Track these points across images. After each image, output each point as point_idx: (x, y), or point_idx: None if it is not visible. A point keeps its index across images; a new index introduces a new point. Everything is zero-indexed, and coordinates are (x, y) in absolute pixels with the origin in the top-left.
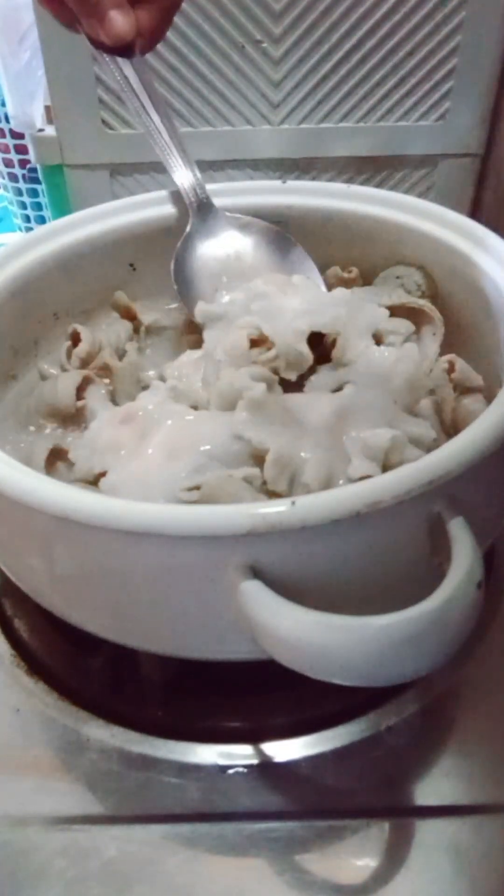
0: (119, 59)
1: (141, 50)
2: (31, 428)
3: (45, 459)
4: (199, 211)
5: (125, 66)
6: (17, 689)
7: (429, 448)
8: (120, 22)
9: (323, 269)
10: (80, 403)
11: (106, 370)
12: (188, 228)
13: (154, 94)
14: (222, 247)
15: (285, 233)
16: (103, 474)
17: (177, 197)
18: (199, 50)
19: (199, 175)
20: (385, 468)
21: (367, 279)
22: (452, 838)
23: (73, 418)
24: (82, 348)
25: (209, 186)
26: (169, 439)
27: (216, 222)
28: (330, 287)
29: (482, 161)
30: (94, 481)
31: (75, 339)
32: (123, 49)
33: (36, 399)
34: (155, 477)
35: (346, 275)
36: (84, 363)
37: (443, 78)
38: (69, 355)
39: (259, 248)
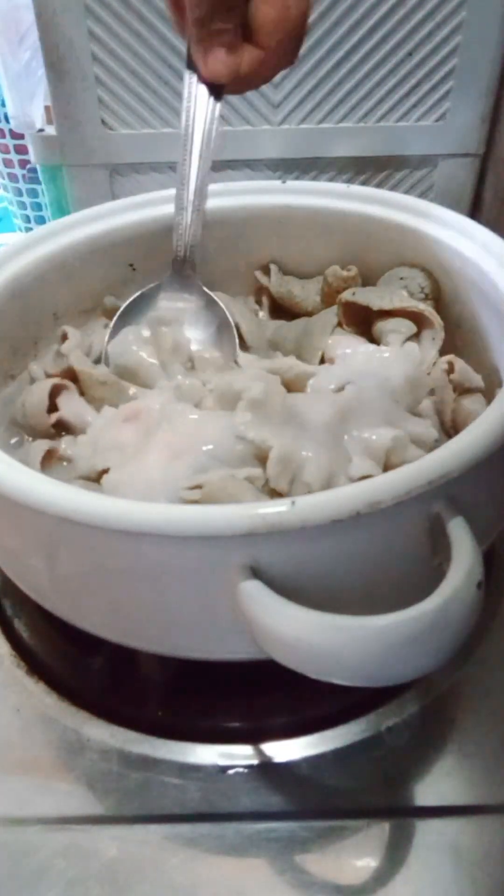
0: (202, 89)
1: (228, 90)
2: (14, 440)
3: (39, 462)
4: (179, 268)
5: (204, 98)
6: (17, 689)
7: (430, 448)
8: (221, 62)
9: (322, 269)
10: (53, 417)
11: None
12: (163, 280)
13: (209, 140)
14: (178, 309)
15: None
16: (106, 471)
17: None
18: None
19: (199, 235)
20: (386, 468)
21: (366, 278)
22: (452, 838)
23: (58, 428)
24: (68, 346)
25: (209, 186)
26: (172, 438)
27: (187, 286)
28: (329, 287)
29: (482, 161)
30: (96, 478)
31: (65, 340)
32: (213, 87)
33: (18, 412)
34: (157, 475)
35: (345, 273)
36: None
37: (443, 78)
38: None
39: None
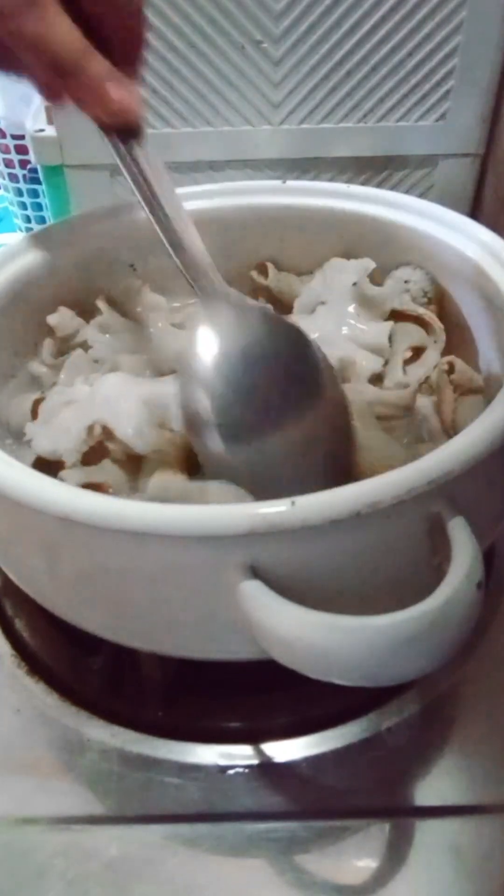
0: (125, 142)
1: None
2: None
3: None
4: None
5: (134, 148)
6: (17, 689)
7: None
8: (119, 95)
9: (321, 268)
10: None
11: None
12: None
13: (160, 176)
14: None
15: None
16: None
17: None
18: (199, 50)
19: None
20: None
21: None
22: (452, 838)
23: None
24: (59, 321)
25: (209, 187)
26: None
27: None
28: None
29: (482, 161)
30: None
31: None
32: (129, 128)
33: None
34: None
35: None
36: (60, 351)
37: (443, 78)
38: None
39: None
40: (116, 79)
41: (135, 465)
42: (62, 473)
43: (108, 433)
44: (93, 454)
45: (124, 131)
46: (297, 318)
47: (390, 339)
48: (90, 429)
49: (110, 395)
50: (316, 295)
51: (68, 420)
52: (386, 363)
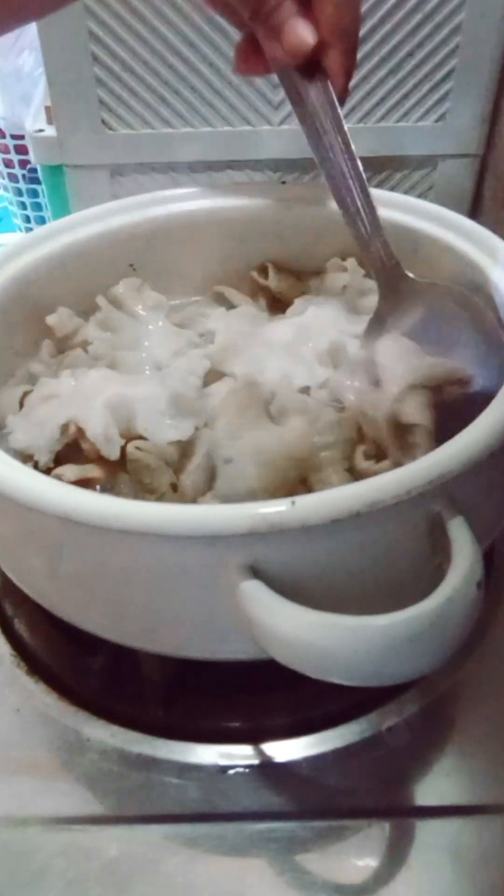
0: (303, 83)
1: (332, 66)
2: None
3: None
4: (389, 282)
5: (309, 91)
6: (17, 689)
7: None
8: (299, 30)
9: (322, 269)
10: None
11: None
12: (377, 307)
13: (340, 125)
14: (416, 326)
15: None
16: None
17: (176, 197)
18: (199, 50)
19: (384, 236)
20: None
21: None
22: (452, 838)
23: None
24: (58, 321)
25: (209, 187)
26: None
27: (409, 295)
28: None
29: (482, 161)
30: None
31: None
32: (310, 66)
33: None
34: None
35: (345, 263)
36: (60, 351)
37: (442, 79)
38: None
39: (452, 320)
40: (300, 18)
41: (111, 466)
42: (57, 470)
43: (81, 432)
44: (70, 452)
45: (299, 72)
46: (288, 318)
47: None
48: (64, 427)
49: (88, 392)
50: (308, 300)
51: (45, 415)
52: None
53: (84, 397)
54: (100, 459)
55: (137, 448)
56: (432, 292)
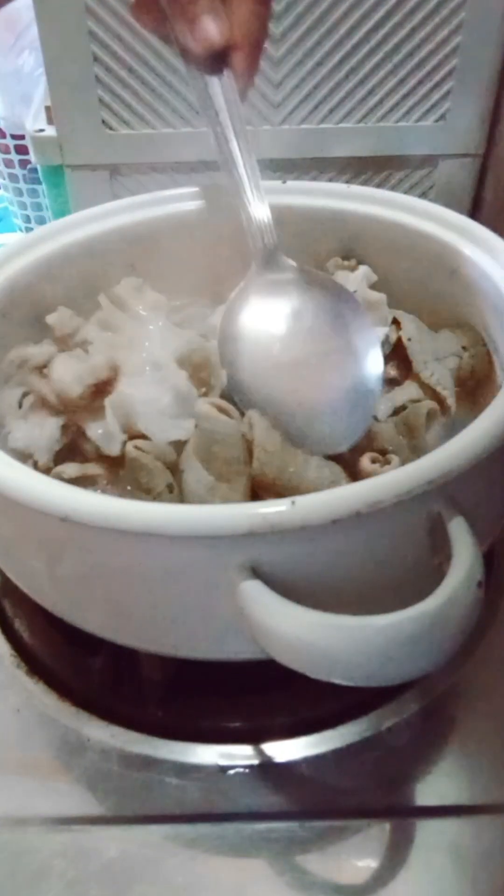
0: (206, 77)
1: (238, 67)
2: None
3: None
4: (264, 261)
5: (211, 83)
6: (17, 689)
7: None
8: (212, 26)
9: (322, 268)
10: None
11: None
12: (245, 282)
13: (237, 119)
14: (282, 307)
15: (352, 295)
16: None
17: (176, 197)
18: None
19: (270, 218)
20: None
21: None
22: (452, 838)
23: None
24: (58, 321)
25: (209, 187)
26: None
27: (281, 275)
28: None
29: (482, 161)
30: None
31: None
32: (215, 60)
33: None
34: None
35: (346, 263)
36: (60, 351)
37: (443, 78)
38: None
39: (321, 312)
40: (214, 15)
41: (112, 464)
42: (58, 468)
43: (80, 432)
44: (70, 452)
45: (204, 64)
46: None
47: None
48: (64, 427)
49: None
50: None
51: (44, 415)
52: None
53: None
54: (100, 458)
55: (136, 447)
56: (307, 277)
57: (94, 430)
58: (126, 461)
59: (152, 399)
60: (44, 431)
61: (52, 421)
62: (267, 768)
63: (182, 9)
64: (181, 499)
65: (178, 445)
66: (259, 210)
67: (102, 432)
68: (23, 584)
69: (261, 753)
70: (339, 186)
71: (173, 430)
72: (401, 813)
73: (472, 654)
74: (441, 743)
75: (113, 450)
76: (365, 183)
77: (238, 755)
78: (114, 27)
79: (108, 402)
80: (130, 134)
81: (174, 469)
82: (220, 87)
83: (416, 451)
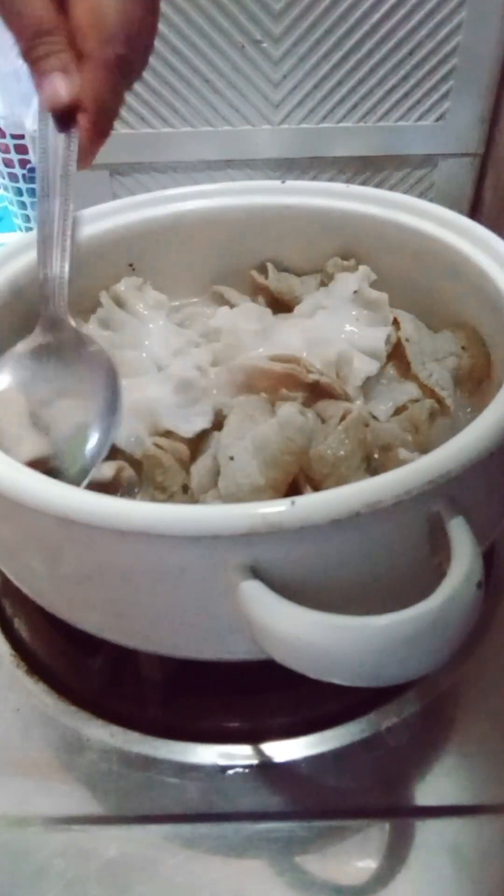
0: (54, 131)
1: (82, 128)
2: None
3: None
4: (48, 324)
5: (56, 137)
6: (17, 689)
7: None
8: (60, 84)
9: (322, 268)
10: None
11: None
12: (31, 341)
13: (66, 179)
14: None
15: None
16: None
17: (176, 197)
18: (199, 50)
19: (66, 280)
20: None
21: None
22: (452, 838)
23: None
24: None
25: (209, 187)
26: None
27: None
28: (329, 279)
29: (482, 161)
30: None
31: None
32: (62, 117)
33: None
34: None
35: (346, 263)
36: None
37: (442, 78)
38: None
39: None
40: (64, 75)
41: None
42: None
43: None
44: None
45: (53, 119)
46: (296, 320)
47: (389, 339)
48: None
49: None
50: (317, 301)
51: None
52: (382, 367)
53: None
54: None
55: (155, 444)
56: (84, 349)
57: (123, 439)
58: (143, 459)
59: (164, 396)
60: None
61: None
62: (266, 768)
63: (35, 61)
64: (193, 500)
65: (191, 444)
66: (57, 271)
67: (134, 440)
68: (23, 584)
69: (260, 753)
70: (338, 186)
71: (197, 420)
72: (400, 813)
73: (472, 654)
74: (441, 743)
75: (139, 452)
76: (364, 183)
77: (238, 755)
78: None
79: (130, 407)
80: (130, 134)
81: (186, 468)
82: (63, 143)
83: (421, 447)
